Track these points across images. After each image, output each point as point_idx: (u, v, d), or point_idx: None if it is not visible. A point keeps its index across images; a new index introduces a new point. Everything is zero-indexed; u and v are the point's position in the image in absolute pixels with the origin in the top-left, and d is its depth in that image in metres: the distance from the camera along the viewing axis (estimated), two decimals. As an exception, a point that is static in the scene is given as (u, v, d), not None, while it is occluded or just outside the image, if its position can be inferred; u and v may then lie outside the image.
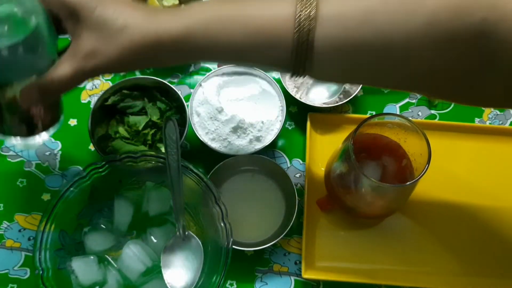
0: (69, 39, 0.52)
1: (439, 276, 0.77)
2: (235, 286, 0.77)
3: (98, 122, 0.81)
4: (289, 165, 0.85)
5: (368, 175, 0.65)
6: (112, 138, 0.81)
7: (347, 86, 0.88)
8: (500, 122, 0.88)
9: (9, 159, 0.84)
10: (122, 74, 0.90)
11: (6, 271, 0.78)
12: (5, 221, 0.81)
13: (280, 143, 0.87)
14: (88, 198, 0.70)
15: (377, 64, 0.48)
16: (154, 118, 0.81)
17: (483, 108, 0.89)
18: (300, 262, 0.77)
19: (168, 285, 0.66)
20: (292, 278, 0.78)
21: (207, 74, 0.83)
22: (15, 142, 0.58)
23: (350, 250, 0.78)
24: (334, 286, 0.77)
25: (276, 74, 0.90)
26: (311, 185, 0.81)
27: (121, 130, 0.81)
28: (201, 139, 0.79)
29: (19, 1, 0.50)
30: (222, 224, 0.65)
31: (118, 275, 0.69)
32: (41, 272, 0.63)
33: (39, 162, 0.84)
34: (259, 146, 0.79)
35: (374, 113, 0.88)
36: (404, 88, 0.53)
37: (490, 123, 0.88)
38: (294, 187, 0.76)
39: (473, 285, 0.76)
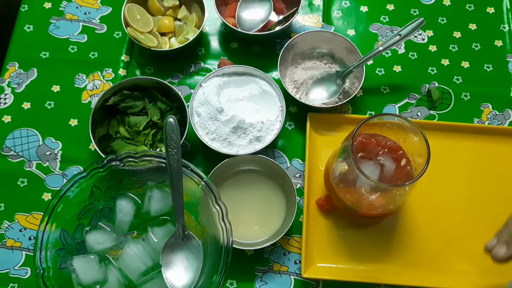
0: None
1: (438, 275, 0.77)
2: (235, 285, 0.78)
3: (99, 122, 0.81)
4: (289, 165, 0.85)
5: (367, 174, 0.65)
6: (112, 138, 0.82)
7: (346, 86, 0.88)
8: (499, 122, 0.88)
9: (9, 159, 0.84)
10: (121, 73, 0.90)
11: (7, 270, 0.78)
12: (5, 221, 0.81)
13: (280, 143, 0.87)
14: (88, 198, 0.70)
15: None
16: (155, 118, 0.81)
17: (482, 108, 0.89)
18: (300, 262, 0.77)
19: (168, 284, 0.66)
20: (292, 277, 0.78)
21: (207, 74, 0.83)
22: None
23: (350, 249, 0.79)
24: (334, 285, 0.77)
25: (276, 74, 0.90)
26: (311, 185, 0.81)
27: (122, 130, 0.81)
28: (201, 139, 0.80)
29: None
30: (222, 223, 0.65)
31: (118, 274, 0.69)
32: (41, 272, 0.64)
33: (40, 162, 0.84)
34: (259, 146, 0.79)
35: (373, 113, 0.89)
36: None
37: (489, 123, 0.88)
38: (294, 187, 0.76)
39: (473, 284, 0.76)
